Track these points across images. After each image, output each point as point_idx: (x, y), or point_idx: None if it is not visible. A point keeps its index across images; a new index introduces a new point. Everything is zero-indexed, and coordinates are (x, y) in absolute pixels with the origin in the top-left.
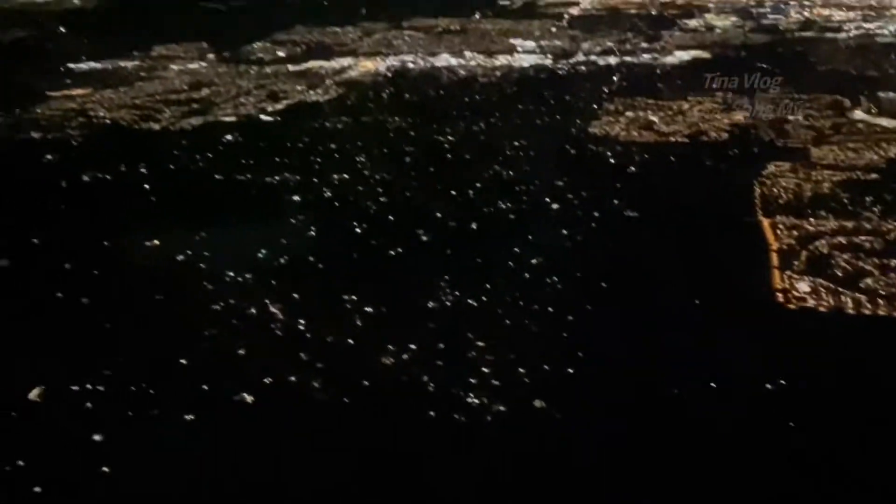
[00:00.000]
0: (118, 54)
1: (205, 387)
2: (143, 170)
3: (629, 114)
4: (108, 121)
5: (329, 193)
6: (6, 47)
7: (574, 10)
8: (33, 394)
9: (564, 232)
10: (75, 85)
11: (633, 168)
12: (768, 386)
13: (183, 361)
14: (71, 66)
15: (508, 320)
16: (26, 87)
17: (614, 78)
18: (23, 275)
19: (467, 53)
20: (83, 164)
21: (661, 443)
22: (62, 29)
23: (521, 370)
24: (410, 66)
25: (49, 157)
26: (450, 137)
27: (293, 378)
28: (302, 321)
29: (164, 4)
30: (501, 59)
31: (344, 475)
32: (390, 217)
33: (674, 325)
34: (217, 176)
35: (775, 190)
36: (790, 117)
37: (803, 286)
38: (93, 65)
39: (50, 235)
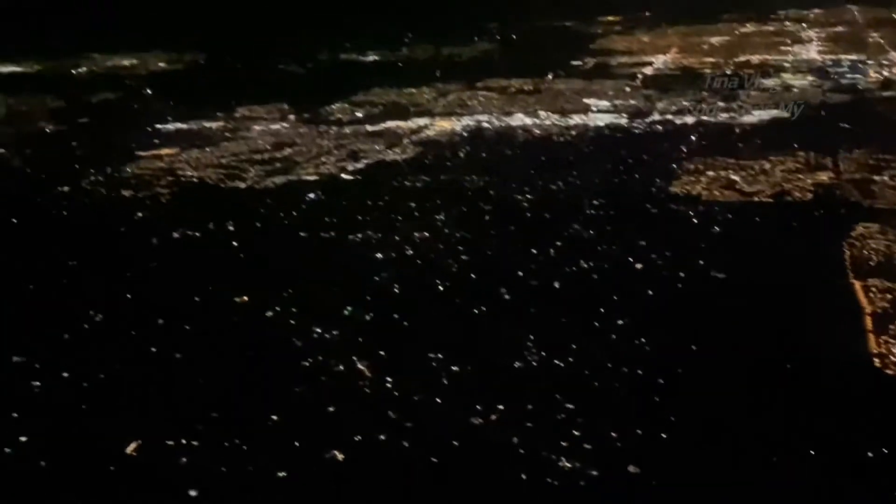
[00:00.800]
0: (203, 115)
1: (296, 443)
2: (230, 227)
3: (710, 173)
4: (195, 179)
5: (411, 251)
6: (96, 108)
7: (647, 70)
8: (130, 448)
9: (650, 293)
10: (163, 145)
11: (717, 228)
12: (869, 454)
13: (274, 417)
14: (158, 126)
15: (597, 382)
16: (117, 147)
17: (692, 137)
18: (117, 329)
19: (541, 113)
20: (173, 221)
21: None
22: (148, 90)
23: (613, 434)
24: (486, 125)
25: (140, 214)
26: (528, 196)
27: (383, 436)
28: (389, 379)
29: (245, 67)
30: (576, 119)
31: None
32: (472, 275)
33: (768, 390)
34: (302, 233)
35: (865, 252)
36: (876, 178)
37: None
38: (179, 125)
39: (143, 291)
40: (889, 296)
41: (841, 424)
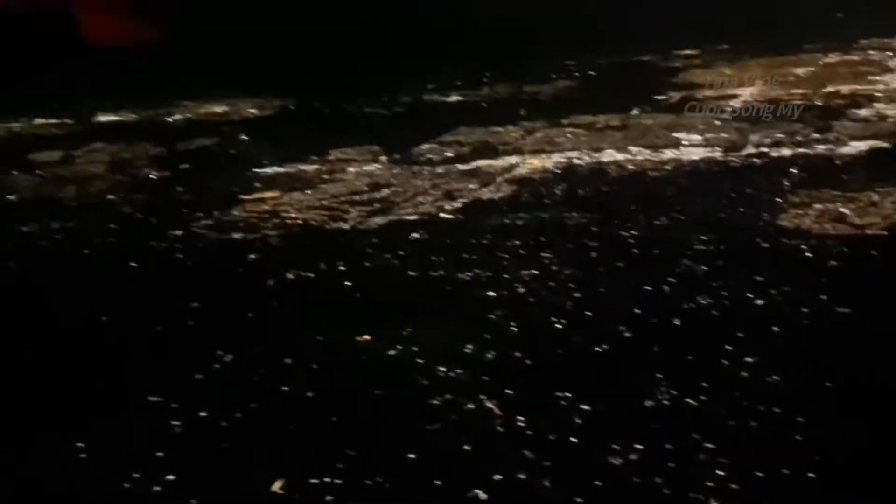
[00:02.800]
0: (297, 158)
1: (437, 482)
2: (341, 267)
3: (817, 206)
4: (300, 221)
5: (522, 289)
6: (195, 154)
7: (735, 103)
8: (276, 486)
9: (775, 329)
10: (264, 188)
11: (833, 262)
12: None
13: (411, 456)
14: (256, 170)
15: (734, 421)
16: (221, 192)
17: (792, 170)
18: (246, 369)
19: (632, 148)
20: (285, 262)
21: None
22: (243, 136)
23: (759, 473)
24: (577, 162)
25: (252, 256)
26: (633, 232)
27: (522, 476)
28: (521, 418)
29: (332, 110)
30: (668, 153)
31: None
32: (587, 313)
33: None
34: (411, 273)
35: None
36: None
37: None
38: (276, 169)
39: (266, 331)
40: None
41: None
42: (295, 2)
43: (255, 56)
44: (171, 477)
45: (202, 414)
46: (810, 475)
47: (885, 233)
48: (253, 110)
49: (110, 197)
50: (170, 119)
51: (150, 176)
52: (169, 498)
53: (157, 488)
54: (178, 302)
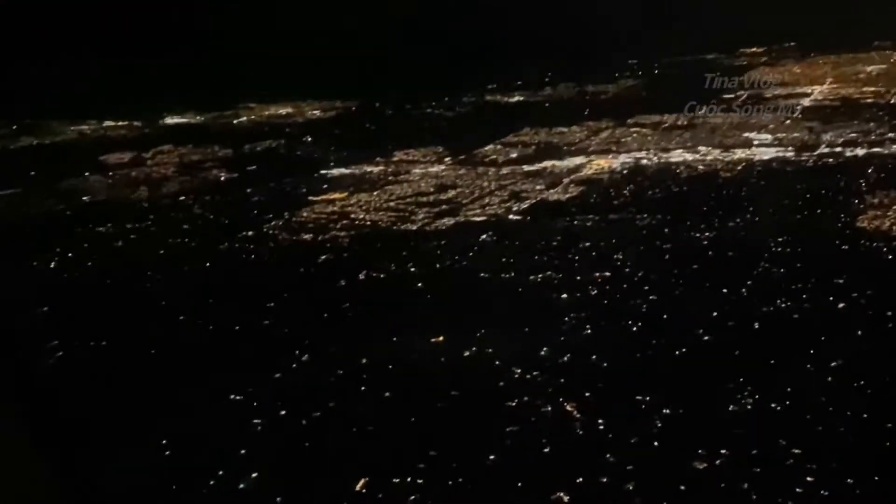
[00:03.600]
0: (363, 160)
1: (519, 483)
2: (412, 268)
3: None
4: (368, 222)
5: (595, 292)
6: (262, 156)
7: (805, 101)
8: (359, 485)
9: (859, 332)
10: (332, 189)
11: None
12: None
13: (492, 457)
14: (323, 171)
15: (821, 426)
16: (289, 193)
17: (868, 170)
18: (325, 369)
19: (701, 148)
20: (356, 263)
21: None
22: (309, 138)
23: (850, 480)
24: (644, 162)
25: (324, 257)
26: (706, 234)
27: (605, 479)
28: (601, 421)
29: (395, 112)
30: (739, 153)
31: None
32: (664, 316)
33: None
34: (482, 274)
35: None
36: None
37: None
38: (343, 170)
39: (342, 331)
40: None
41: None
42: (353, 6)
43: (316, 59)
44: (255, 475)
45: (283, 412)
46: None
47: None
48: (316, 112)
49: (181, 198)
50: (235, 121)
51: (220, 177)
52: (255, 495)
53: (242, 485)
54: (253, 302)
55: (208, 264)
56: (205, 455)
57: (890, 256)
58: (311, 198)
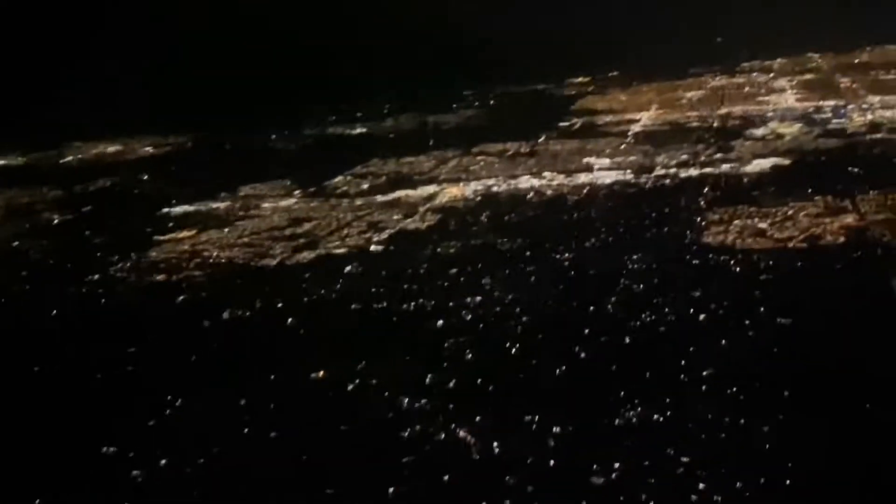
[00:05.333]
0: (207, 196)
1: None
2: (278, 304)
3: (737, 222)
4: (223, 259)
5: (470, 316)
6: (96, 196)
7: (636, 127)
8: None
9: (723, 342)
10: (178, 228)
11: (763, 276)
12: None
13: (391, 489)
14: (166, 210)
15: (703, 434)
16: (133, 234)
17: (704, 189)
18: (201, 416)
19: (546, 174)
20: (218, 303)
21: None
22: (145, 175)
23: (738, 484)
24: (495, 189)
25: (182, 297)
26: (566, 255)
27: (508, 502)
28: (496, 443)
29: (234, 146)
30: (582, 177)
31: None
32: (539, 336)
33: (866, 441)
34: (353, 305)
35: None
36: None
37: None
38: (187, 207)
39: (213, 373)
40: None
41: None
42: (181, 40)
43: (143, 93)
44: None
45: (163, 462)
46: (787, 482)
47: (805, 245)
48: (148, 148)
49: (15, 243)
50: (62, 161)
51: (54, 220)
52: None
53: None
54: (112, 348)
55: (55, 312)
56: None
57: (737, 269)
58: (157, 237)
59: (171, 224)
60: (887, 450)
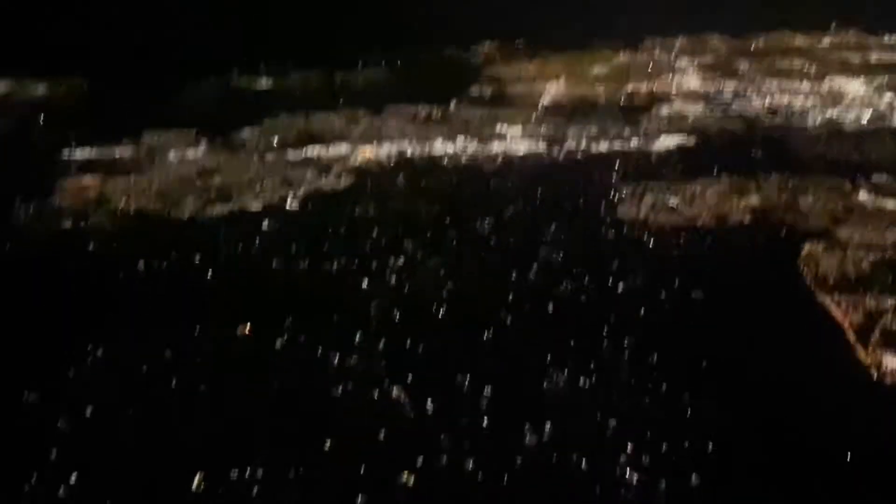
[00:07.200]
0: (109, 142)
1: (362, 468)
2: (196, 258)
3: (648, 198)
4: (132, 209)
5: (395, 278)
6: None
7: (546, 99)
8: (195, 484)
9: (641, 313)
10: (82, 173)
11: (676, 251)
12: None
13: (328, 444)
14: (67, 156)
15: (629, 402)
16: (33, 179)
17: (615, 164)
18: (125, 370)
19: (459, 141)
20: (132, 253)
21: None
22: (41, 118)
23: (665, 446)
24: (410, 152)
25: (92, 246)
26: (486, 222)
27: (445, 458)
28: (429, 403)
29: (132, 91)
30: (496, 146)
31: None
32: (465, 300)
33: (774, 405)
34: (274, 263)
35: (821, 270)
36: (801, 199)
37: (891, 360)
38: (89, 153)
39: (135, 326)
40: (860, 308)
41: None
42: None
43: (30, 33)
44: (73, 477)
45: (87, 415)
46: (702, 444)
47: (714, 222)
48: (42, 90)
49: None
50: None
51: None
52: (77, 497)
53: (61, 493)
54: (24, 300)
55: None
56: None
57: (651, 244)
58: (59, 183)
59: (73, 170)
60: (788, 406)
